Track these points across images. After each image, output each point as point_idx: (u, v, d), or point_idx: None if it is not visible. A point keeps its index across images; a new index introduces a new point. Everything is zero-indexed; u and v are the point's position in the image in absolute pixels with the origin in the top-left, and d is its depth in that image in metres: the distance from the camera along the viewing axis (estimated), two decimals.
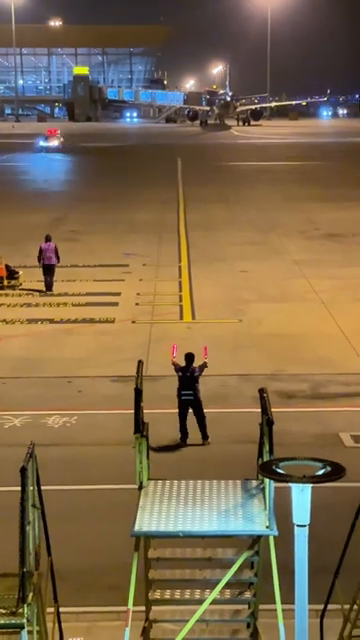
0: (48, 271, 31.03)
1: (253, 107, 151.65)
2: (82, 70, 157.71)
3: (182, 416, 18.12)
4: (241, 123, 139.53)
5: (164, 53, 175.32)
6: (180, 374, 18.06)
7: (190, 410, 18.18)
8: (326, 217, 47.34)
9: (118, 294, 30.90)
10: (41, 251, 31.03)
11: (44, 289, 31.04)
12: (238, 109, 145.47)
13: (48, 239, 31.40)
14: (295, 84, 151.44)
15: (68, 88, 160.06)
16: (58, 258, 31.07)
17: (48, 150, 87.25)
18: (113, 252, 38.02)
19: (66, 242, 37.84)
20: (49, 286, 31.05)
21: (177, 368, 18.14)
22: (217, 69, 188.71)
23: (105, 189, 60.61)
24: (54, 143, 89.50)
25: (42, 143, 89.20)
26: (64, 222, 45.99)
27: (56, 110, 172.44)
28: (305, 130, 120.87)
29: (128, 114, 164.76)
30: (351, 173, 70.20)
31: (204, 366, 18.07)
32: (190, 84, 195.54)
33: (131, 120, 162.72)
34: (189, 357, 18.13)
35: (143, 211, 49.57)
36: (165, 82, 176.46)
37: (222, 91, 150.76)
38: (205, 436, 18.16)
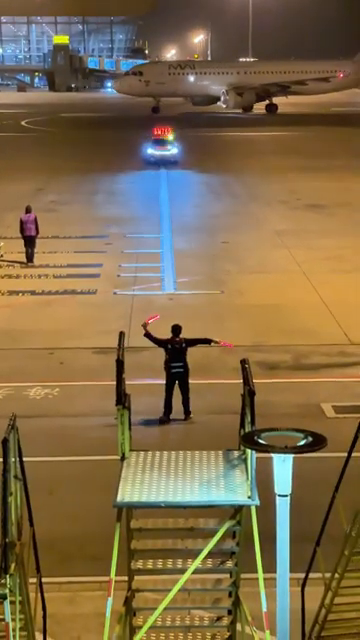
0: (28, 242, 30.87)
1: None
2: (62, 39, 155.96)
3: (169, 389, 18.02)
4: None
5: (145, 22, 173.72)
6: (169, 347, 17.97)
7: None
8: (308, 187, 47.27)
9: (100, 265, 30.80)
10: (22, 222, 30.86)
11: (25, 261, 30.89)
12: None
13: (28, 210, 31.21)
14: (277, 52, 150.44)
15: (48, 57, 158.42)
16: (37, 229, 30.88)
17: (162, 163, 56.56)
18: (94, 223, 37.86)
19: (46, 213, 37.65)
20: (30, 257, 30.90)
21: (165, 342, 17.96)
22: (198, 38, 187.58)
23: (86, 159, 60.23)
24: (167, 151, 57.39)
25: (152, 151, 57.40)
26: (44, 193, 45.71)
27: (36, 80, 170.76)
28: (286, 100, 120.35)
29: (109, 84, 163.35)
30: (333, 143, 70.08)
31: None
32: (171, 53, 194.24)
33: (112, 90, 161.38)
34: (176, 329, 18.05)
35: (124, 182, 49.35)
36: (146, 51, 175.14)
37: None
38: (188, 411, 18.14)
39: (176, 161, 56.72)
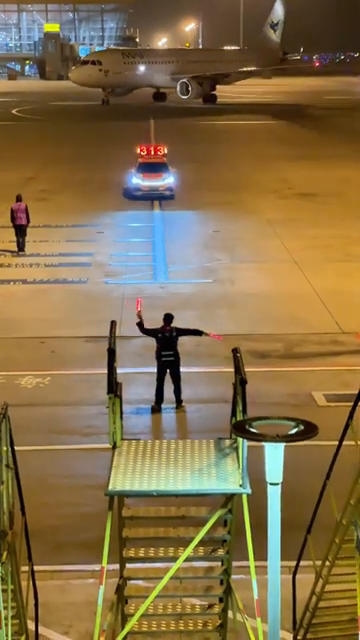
0: (19, 231, 30.81)
1: None
2: (53, 27, 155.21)
3: (160, 378, 18.03)
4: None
5: (136, 10, 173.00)
6: (160, 335, 17.96)
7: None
8: (299, 176, 47.24)
9: (91, 254, 30.76)
10: (12, 211, 30.79)
11: (16, 250, 30.84)
12: None
13: (19, 199, 31.14)
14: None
15: (39, 46, 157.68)
16: (28, 218, 30.80)
17: (148, 197, 40.57)
18: (85, 212, 37.79)
19: (38, 202, 37.56)
20: (21, 246, 30.84)
21: (156, 331, 17.95)
22: (189, 26, 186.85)
23: (76, 148, 60.08)
24: (160, 180, 40.48)
25: (137, 181, 40.49)
26: (35, 181, 45.59)
27: (27, 68, 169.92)
28: (278, 89, 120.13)
29: None
30: (324, 132, 70.01)
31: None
32: (162, 42, 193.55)
33: None
34: (168, 318, 18.05)
35: (115, 170, 49.22)
36: (137, 39, 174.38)
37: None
38: (179, 400, 18.15)
39: (172, 195, 40.19)
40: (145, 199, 40.11)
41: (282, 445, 8.19)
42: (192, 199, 40.71)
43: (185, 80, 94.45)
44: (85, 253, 30.85)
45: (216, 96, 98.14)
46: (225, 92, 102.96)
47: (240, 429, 8.56)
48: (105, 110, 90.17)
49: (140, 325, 17.70)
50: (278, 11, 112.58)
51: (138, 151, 42.02)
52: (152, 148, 42.58)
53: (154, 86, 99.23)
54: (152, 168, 40.65)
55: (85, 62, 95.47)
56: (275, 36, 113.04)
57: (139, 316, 17.49)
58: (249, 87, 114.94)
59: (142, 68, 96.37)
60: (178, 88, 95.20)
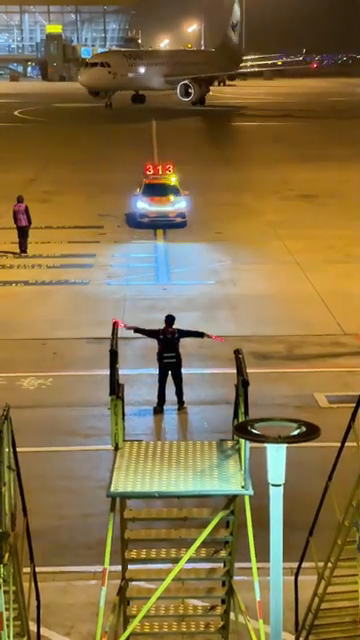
0: (21, 233, 30.83)
1: None
2: (55, 28, 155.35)
3: (162, 380, 18.01)
4: (216, 83, 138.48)
5: (138, 11, 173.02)
6: (161, 337, 17.96)
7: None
8: (300, 177, 47.26)
9: (93, 256, 30.77)
10: (14, 212, 30.80)
11: (18, 251, 30.85)
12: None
13: (20, 200, 31.15)
14: (270, 44, 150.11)
15: (41, 47, 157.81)
16: (29, 219, 30.78)
17: (155, 225, 34.85)
18: (87, 213, 37.79)
19: (40, 203, 37.58)
20: (23, 248, 30.85)
21: (158, 332, 17.92)
22: (192, 28, 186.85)
23: (79, 150, 60.11)
24: (170, 206, 34.91)
25: (143, 205, 34.73)
26: (37, 183, 45.61)
27: (29, 69, 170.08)
28: (279, 90, 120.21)
29: None
30: (326, 133, 70.04)
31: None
32: (164, 43, 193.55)
33: None
34: (169, 319, 18.04)
35: (117, 172, 49.26)
36: (139, 41, 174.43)
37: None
38: (181, 402, 18.14)
39: (184, 223, 34.68)
40: (152, 227, 34.59)
41: (284, 446, 8.19)
42: (193, 200, 40.64)
43: (187, 82, 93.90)
44: (87, 254, 30.86)
45: (205, 98, 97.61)
46: (226, 93, 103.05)
47: (242, 430, 8.56)
48: (107, 112, 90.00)
49: (138, 329, 17.70)
50: (236, 12, 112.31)
51: (144, 170, 36.58)
52: (160, 167, 36.91)
53: (150, 88, 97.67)
54: (160, 190, 35.05)
55: (94, 64, 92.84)
56: (235, 37, 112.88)
57: (128, 328, 17.49)
58: (249, 89, 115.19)
59: (143, 70, 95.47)
60: (178, 90, 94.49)
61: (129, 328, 17.56)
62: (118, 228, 35.06)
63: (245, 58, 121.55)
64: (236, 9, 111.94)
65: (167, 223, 34.63)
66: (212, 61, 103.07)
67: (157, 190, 35.07)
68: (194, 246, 32.33)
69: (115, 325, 16.98)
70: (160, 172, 36.34)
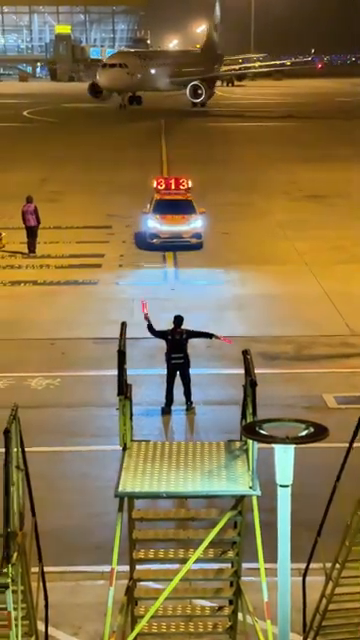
0: (29, 233, 30.86)
1: (237, 67, 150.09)
2: (64, 29, 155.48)
3: (170, 380, 18.00)
4: (225, 84, 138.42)
5: (147, 12, 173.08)
6: (170, 337, 17.95)
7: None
8: (309, 177, 47.20)
9: (101, 256, 30.77)
10: (23, 213, 30.84)
11: (27, 251, 30.88)
12: (222, 70, 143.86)
13: (29, 200, 31.18)
14: (279, 44, 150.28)
15: (50, 47, 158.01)
16: (38, 219, 30.80)
17: (168, 247, 31.17)
18: (96, 213, 37.82)
19: (49, 203, 37.60)
20: (31, 248, 30.88)
21: (166, 333, 17.92)
22: (200, 28, 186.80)
23: (88, 150, 60.14)
24: (185, 225, 31.21)
25: (154, 225, 31.05)
26: (46, 183, 45.65)
27: (38, 70, 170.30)
28: (288, 91, 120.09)
29: None
30: (334, 133, 69.95)
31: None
32: (173, 44, 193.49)
33: None
34: (178, 320, 18.03)
35: (126, 171, 49.28)
36: (148, 41, 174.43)
37: None
38: (189, 402, 18.13)
39: (200, 244, 31.28)
40: (164, 249, 31.08)
41: (292, 447, 8.18)
42: (201, 200, 40.63)
43: (197, 82, 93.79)
44: (96, 254, 30.86)
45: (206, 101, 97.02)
46: (235, 93, 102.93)
47: (250, 431, 8.55)
48: (118, 113, 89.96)
49: (150, 327, 17.69)
50: (217, 13, 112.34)
51: (155, 185, 32.79)
52: (172, 180, 32.81)
53: (157, 89, 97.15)
54: (173, 208, 31.36)
55: (112, 65, 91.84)
56: (217, 38, 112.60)
57: (146, 318, 17.43)
58: (259, 89, 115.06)
59: (153, 70, 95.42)
60: (188, 91, 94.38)
61: (146, 318, 17.41)
62: (127, 228, 34.98)
63: (249, 57, 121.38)
64: (217, 9, 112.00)
65: (181, 245, 30.95)
66: (201, 62, 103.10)
67: (170, 207, 31.36)
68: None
69: (143, 306, 17.13)
70: (173, 187, 32.49)
